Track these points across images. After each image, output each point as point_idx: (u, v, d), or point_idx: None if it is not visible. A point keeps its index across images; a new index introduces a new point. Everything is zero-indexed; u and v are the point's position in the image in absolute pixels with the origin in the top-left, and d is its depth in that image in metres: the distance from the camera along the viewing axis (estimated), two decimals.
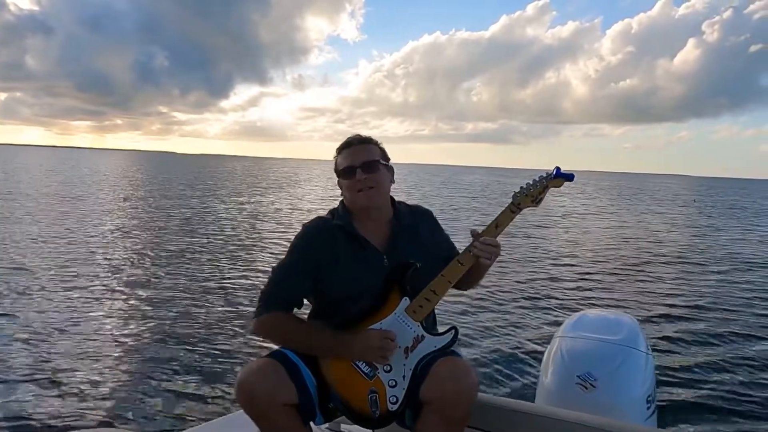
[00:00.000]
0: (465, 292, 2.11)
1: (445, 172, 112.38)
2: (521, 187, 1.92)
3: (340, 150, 2.05)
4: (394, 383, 1.85)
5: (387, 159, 2.07)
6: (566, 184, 1.92)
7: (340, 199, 2.09)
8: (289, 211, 20.83)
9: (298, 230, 2.05)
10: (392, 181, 2.08)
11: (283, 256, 2.02)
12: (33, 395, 4.29)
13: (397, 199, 2.11)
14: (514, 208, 1.92)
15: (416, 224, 2.07)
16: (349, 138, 2.07)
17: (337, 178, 2.06)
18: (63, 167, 56.16)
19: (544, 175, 1.91)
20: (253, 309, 1.99)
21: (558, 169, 1.90)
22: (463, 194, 37.32)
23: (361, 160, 1.98)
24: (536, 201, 1.91)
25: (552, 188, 1.92)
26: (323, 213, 2.09)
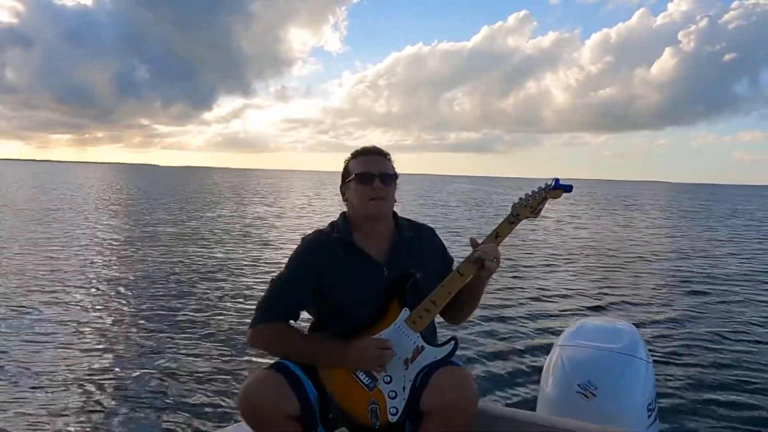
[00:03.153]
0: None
1: (428, 181, 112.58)
2: (520, 198, 1.93)
3: (356, 155, 2.06)
4: (394, 394, 1.86)
5: (396, 176, 2.09)
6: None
7: (341, 212, 2.10)
8: (277, 220, 20.80)
9: (291, 238, 2.06)
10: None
11: (282, 268, 2.03)
12: (30, 405, 4.29)
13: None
14: (513, 219, 1.92)
15: (417, 238, 2.08)
16: (367, 146, 2.08)
17: (342, 184, 2.07)
18: (42, 181, 55.33)
19: (543, 186, 1.92)
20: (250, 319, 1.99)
21: (557, 180, 1.90)
22: (446, 202, 37.39)
23: (381, 170, 2.00)
24: (535, 212, 1.92)
25: (550, 199, 1.93)
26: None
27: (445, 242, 2.15)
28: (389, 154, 2.09)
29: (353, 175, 2.02)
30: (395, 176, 2.06)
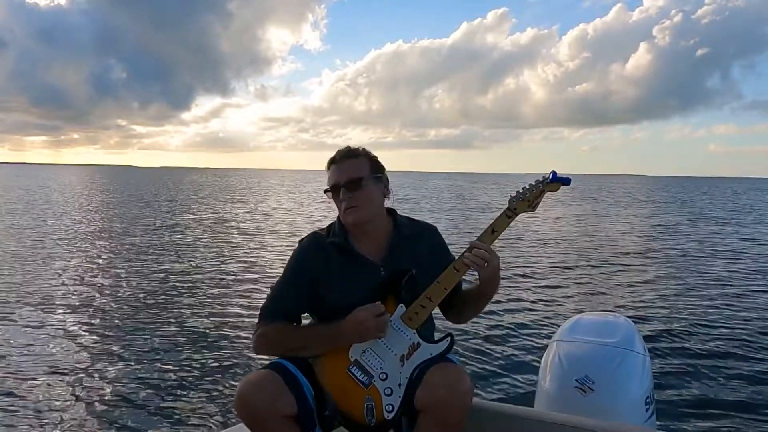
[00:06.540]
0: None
1: (409, 178, 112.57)
2: (517, 192, 1.88)
3: (329, 165, 2.01)
4: (390, 391, 1.84)
5: (378, 170, 2.01)
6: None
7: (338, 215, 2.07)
8: (264, 220, 20.71)
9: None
10: (386, 193, 2.04)
11: (281, 273, 2.04)
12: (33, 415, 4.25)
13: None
14: (510, 213, 1.87)
15: (416, 237, 2.04)
16: (338, 151, 2.01)
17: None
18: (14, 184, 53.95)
19: (541, 179, 1.86)
20: (248, 315, 1.99)
21: (554, 173, 1.84)
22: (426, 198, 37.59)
23: (345, 177, 1.94)
24: (533, 206, 1.86)
25: (548, 192, 1.87)
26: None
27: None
28: (360, 151, 2.00)
29: (325, 190, 2.00)
30: (373, 173, 1.98)
